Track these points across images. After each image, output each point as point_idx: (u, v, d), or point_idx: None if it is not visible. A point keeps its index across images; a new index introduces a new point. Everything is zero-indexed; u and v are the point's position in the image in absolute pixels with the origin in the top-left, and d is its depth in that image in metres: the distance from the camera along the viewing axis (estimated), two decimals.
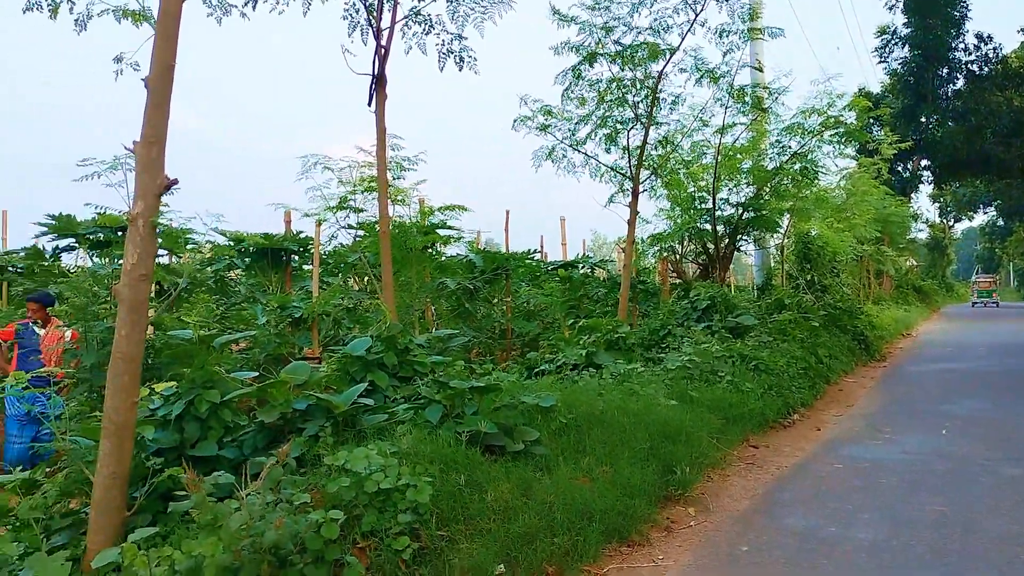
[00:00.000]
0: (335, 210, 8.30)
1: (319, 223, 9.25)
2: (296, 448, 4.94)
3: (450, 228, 9.75)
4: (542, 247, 15.08)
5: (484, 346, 11.32)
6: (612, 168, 12.55)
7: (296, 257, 11.46)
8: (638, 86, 11.67)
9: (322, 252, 10.16)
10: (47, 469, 5.23)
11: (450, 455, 4.73)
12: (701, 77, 12.38)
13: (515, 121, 12.13)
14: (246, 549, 3.71)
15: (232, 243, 10.81)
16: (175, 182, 4.40)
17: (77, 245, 9.80)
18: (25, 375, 4.74)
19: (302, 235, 10.95)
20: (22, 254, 10.10)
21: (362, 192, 8.23)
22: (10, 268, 10.21)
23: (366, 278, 11.22)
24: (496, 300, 12.07)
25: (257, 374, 5.96)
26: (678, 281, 15.68)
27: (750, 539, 5.01)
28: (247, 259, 10.97)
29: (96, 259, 10.41)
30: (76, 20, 5.93)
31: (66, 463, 5.09)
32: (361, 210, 8.45)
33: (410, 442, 4.83)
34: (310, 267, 12.06)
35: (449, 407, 5.36)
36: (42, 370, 5.42)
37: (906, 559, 4.60)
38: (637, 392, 7.02)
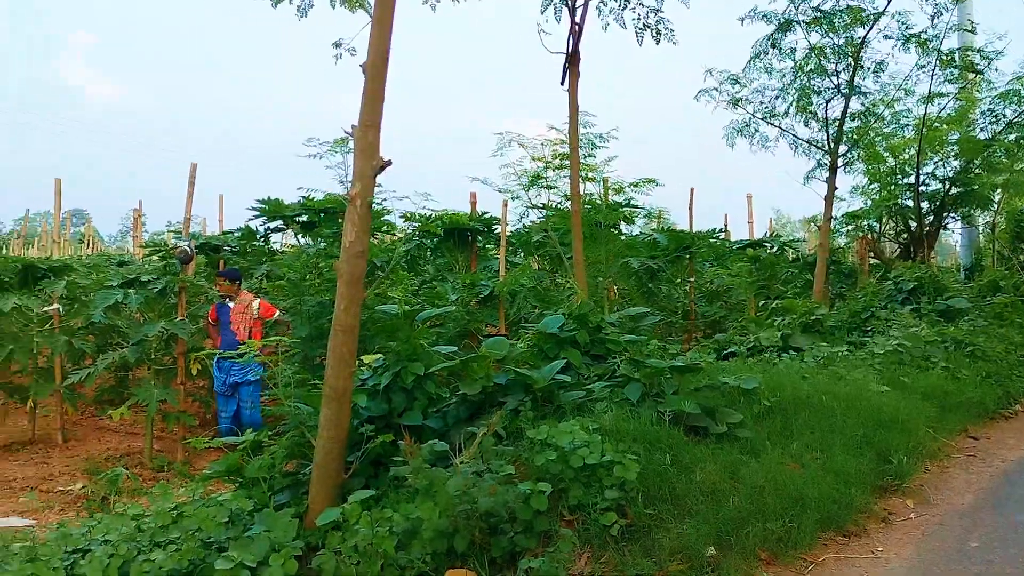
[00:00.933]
0: (527, 187, 8.42)
1: (505, 203, 9.41)
2: (482, 423, 5.03)
3: (635, 207, 9.63)
4: (726, 225, 14.60)
5: (666, 327, 11.13)
6: (808, 142, 11.91)
7: (480, 237, 11.74)
8: (838, 54, 10.97)
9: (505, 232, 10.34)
10: (269, 433, 5.63)
11: (653, 434, 4.67)
12: (907, 42, 11.46)
13: (699, 92, 11.77)
14: (461, 514, 3.83)
15: (421, 224, 11.21)
16: (389, 163, 4.58)
17: (285, 226, 10.51)
18: (256, 343, 5.12)
19: (486, 215, 11.17)
20: (237, 234, 10.97)
21: (554, 169, 8.29)
22: (226, 247, 11.11)
23: (546, 258, 11.31)
24: (679, 280, 11.82)
25: (455, 348, 6.14)
26: (875, 261, 14.71)
27: (979, 535, 4.61)
28: (435, 239, 11.35)
29: (300, 239, 11.15)
30: (298, 7, 6.30)
31: (285, 427, 5.48)
32: (552, 187, 8.52)
33: (611, 419, 4.80)
34: (491, 247, 12.33)
35: (648, 386, 5.29)
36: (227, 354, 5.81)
37: None
38: (843, 377, 6.65)
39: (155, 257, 11.57)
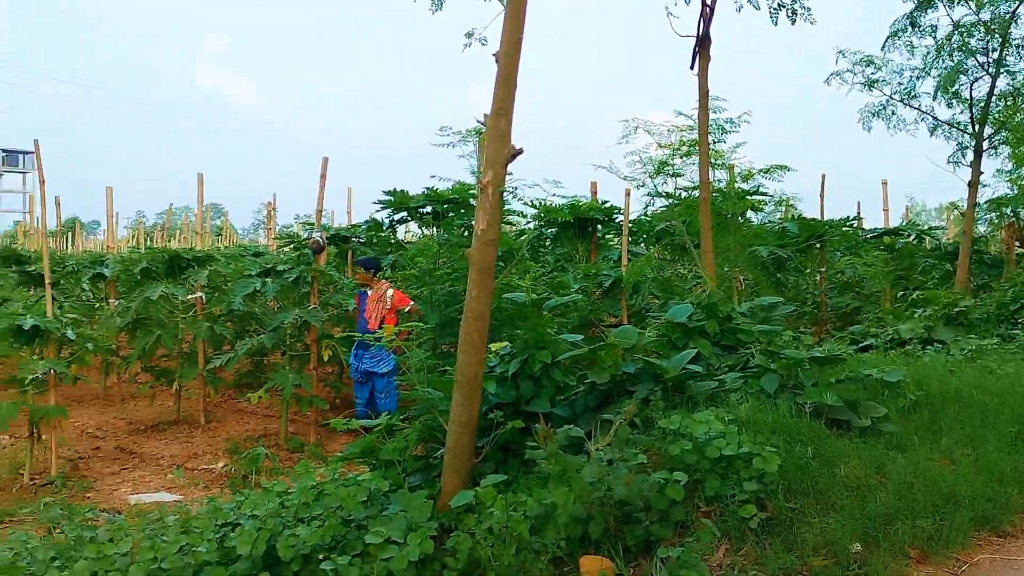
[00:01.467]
0: (654, 175, 8.31)
1: (628, 192, 9.31)
2: (616, 411, 4.98)
3: (764, 195, 9.34)
4: (859, 213, 13.95)
5: (795, 319, 10.75)
6: (950, 124, 11.22)
7: (599, 226, 11.66)
8: (984, 30, 10.28)
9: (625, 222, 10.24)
10: (400, 417, 5.76)
11: (792, 427, 4.51)
12: None
13: (831, 76, 11.28)
14: (595, 501, 3.81)
15: (542, 213, 11.22)
16: (520, 151, 4.59)
17: (409, 217, 10.75)
18: (392, 328, 5.26)
19: (607, 204, 11.08)
20: (364, 226, 11.32)
21: (680, 156, 8.14)
22: (353, 239, 11.47)
23: (669, 247, 11.11)
24: (808, 270, 11.39)
25: (581, 337, 6.12)
26: (1022, 250, 13.73)
27: None
28: (554, 229, 11.34)
29: (424, 230, 11.38)
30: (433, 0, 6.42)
31: (415, 412, 5.60)
32: (679, 174, 8.37)
33: (747, 411, 4.68)
34: (611, 236, 12.22)
35: (785, 377, 5.12)
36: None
37: None
38: (994, 371, 6.24)
39: (287, 248, 12.09)
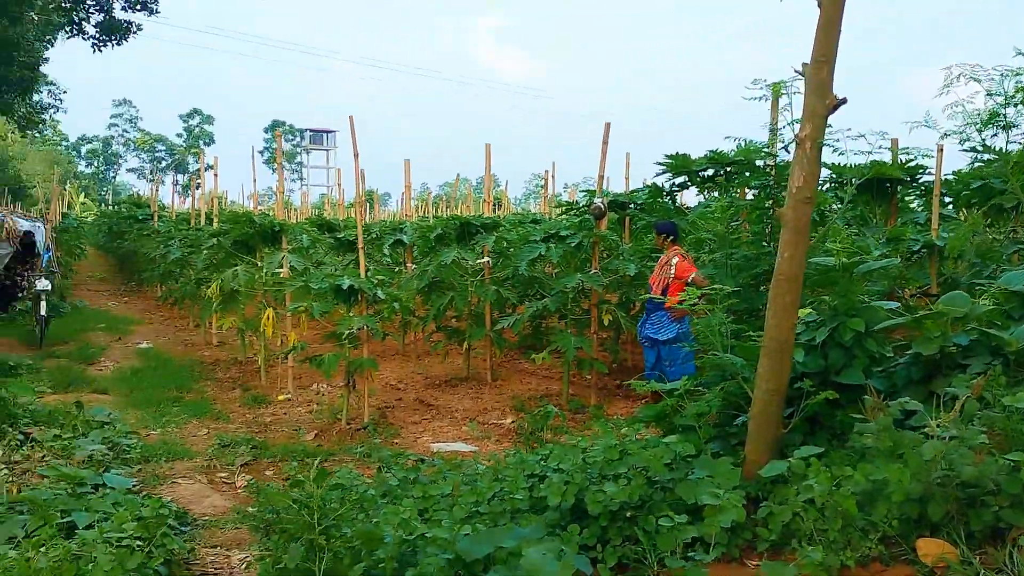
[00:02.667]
0: (981, 127, 7.38)
1: (940, 148, 8.38)
2: (960, 385, 4.48)
3: None
4: None
5: None
6: None
7: (899, 187, 10.64)
8: None
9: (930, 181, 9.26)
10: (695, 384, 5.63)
11: None
12: None
13: None
14: (935, 481, 3.47)
15: (833, 174, 10.46)
16: (843, 101, 4.26)
17: (689, 182, 10.50)
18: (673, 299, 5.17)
19: (911, 162, 10.06)
20: (644, 192, 11.25)
21: (1015, 105, 7.14)
22: (631, 205, 11.46)
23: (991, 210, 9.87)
24: None
25: (896, 304, 5.61)
26: None
27: None
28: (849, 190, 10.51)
29: (702, 195, 11.08)
30: None
31: (709, 379, 5.46)
32: (1012, 126, 7.36)
33: None
34: (912, 198, 11.13)
35: None
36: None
37: None
38: None
39: (564, 215, 12.37)
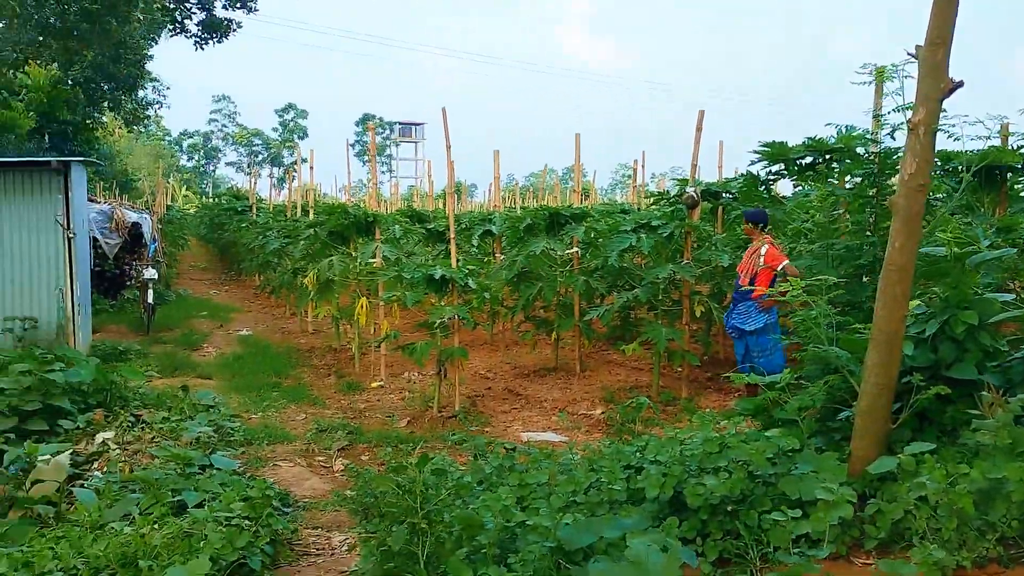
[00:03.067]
0: None
1: None
2: None
3: None
4: None
5: None
6: None
7: (1010, 175, 10.11)
8: None
9: None
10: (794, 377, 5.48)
11: None
12: None
13: None
14: None
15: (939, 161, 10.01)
16: (960, 85, 4.08)
17: (786, 170, 10.21)
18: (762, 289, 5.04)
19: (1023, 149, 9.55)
20: (738, 181, 11.00)
21: None
22: (725, 194, 11.23)
23: None
24: None
25: (1012, 296, 5.35)
26: None
27: None
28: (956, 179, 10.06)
29: (800, 184, 10.76)
30: None
31: (810, 372, 5.31)
32: None
33: None
34: (1021, 185, 10.57)
35: None
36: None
37: None
38: None
39: (654, 204, 12.22)
